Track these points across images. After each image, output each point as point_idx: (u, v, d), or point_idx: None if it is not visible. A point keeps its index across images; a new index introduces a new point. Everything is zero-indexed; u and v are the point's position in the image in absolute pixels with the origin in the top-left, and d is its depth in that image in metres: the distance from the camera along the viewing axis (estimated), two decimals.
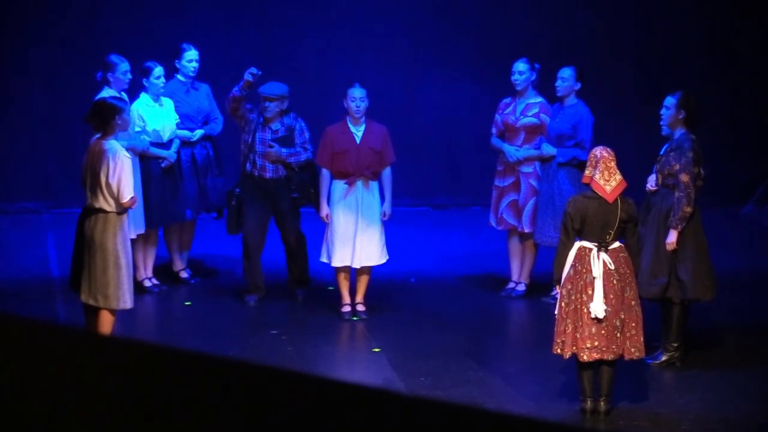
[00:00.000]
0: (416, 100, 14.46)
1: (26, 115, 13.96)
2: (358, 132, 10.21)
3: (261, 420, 2.39)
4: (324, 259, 10.31)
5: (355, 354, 9.85)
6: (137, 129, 10.63)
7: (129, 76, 10.52)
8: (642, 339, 8.10)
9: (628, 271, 8.08)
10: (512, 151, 10.76)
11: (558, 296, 8.18)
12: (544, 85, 10.86)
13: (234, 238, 10.77)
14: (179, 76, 11.12)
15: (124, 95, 10.38)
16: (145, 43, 13.10)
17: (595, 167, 8.17)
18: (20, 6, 13.89)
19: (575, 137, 10.50)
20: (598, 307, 7.93)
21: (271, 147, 10.41)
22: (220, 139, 11.45)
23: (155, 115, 10.77)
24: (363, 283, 10.31)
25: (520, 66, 10.81)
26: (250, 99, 10.56)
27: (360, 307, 10.30)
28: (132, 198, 8.61)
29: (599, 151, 8.23)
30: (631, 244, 8.16)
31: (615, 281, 7.99)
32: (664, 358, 9.12)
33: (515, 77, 10.80)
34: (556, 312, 8.15)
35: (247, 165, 10.50)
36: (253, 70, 10.38)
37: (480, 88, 14.06)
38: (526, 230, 10.76)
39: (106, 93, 10.14)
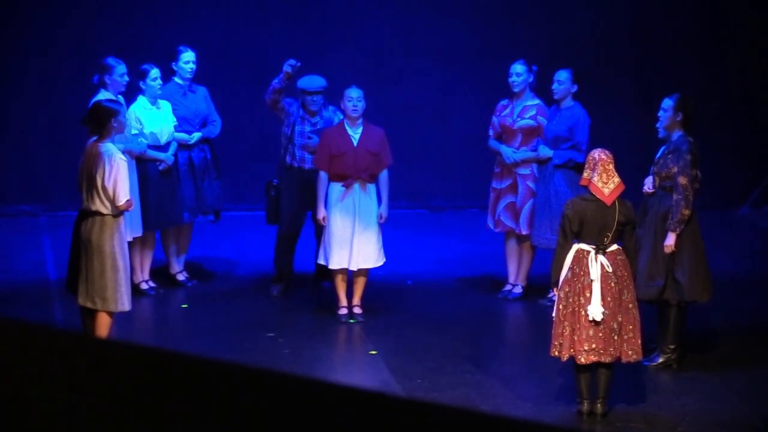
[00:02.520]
0: (413, 103, 14.45)
1: (22, 117, 13.94)
2: (355, 134, 10.21)
3: (258, 423, 2.39)
4: (321, 261, 10.31)
5: (352, 356, 9.85)
6: (134, 132, 10.62)
7: (126, 78, 10.51)
8: (639, 342, 8.10)
9: (626, 274, 8.08)
10: (509, 152, 10.76)
11: (555, 298, 8.18)
12: (542, 87, 10.86)
13: (231, 238, 10.77)
14: (176, 79, 11.10)
15: (121, 98, 10.37)
16: (142, 45, 13.10)
17: (593, 169, 8.17)
18: (16, 9, 13.88)
19: (572, 139, 10.50)
20: (595, 310, 7.93)
21: (310, 138, 10.60)
22: (219, 141, 11.45)
23: (152, 118, 10.77)
24: (360, 285, 10.30)
25: (518, 68, 10.81)
26: (288, 92, 10.81)
27: (357, 310, 10.29)
28: (128, 201, 8.60)
29: (597, 154, 8.23)
30: (629, 246, 8.16)
31: (613, 284, 7.99)
32: (661, 360, 9.12)
33: (513, 79, 10.80)
34: (553, 314, 8.15)
35: (287, 157, 10.77)
36: (292, 61, 10.65)
37: (477, 90, 14.06)
38: (524, 232, 10.76)
39: (103, 96, 10.12)
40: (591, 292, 7.96)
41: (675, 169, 9.01)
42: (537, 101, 10.81)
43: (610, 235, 8.06)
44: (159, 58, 11.17)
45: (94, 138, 8.71)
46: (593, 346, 7.96)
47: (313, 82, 10.70)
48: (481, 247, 12.40)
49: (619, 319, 8.00)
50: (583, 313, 7.96)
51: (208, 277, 11.56)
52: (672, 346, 9.12)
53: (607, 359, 8.00)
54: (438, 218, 14.32)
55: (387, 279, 11.24)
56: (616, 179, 8.15)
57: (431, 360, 9.27)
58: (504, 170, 10.84)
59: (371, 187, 10.24)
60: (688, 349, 9.27)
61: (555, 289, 8.15)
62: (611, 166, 8.17)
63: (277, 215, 10.87)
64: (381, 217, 10.21)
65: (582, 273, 8.00)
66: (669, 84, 12.25)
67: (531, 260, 10.92)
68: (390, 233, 11.02)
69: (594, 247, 8.05)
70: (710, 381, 8.88)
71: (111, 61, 10.52)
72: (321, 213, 10.20)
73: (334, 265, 10.18)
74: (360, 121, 10.23)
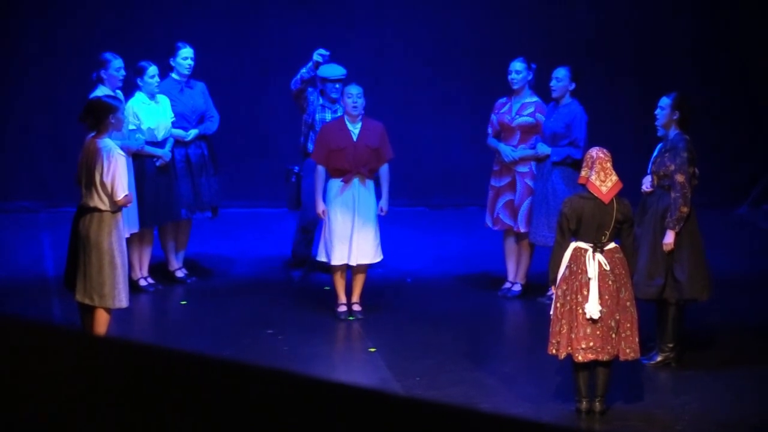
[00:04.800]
0: (412, 100, 14.45)
1: (23, 114, 13.95)
2: (354, 129, 10.21)
3: (256, 421, 2.39)
4: (322, 258, 10.30)
5: (351, 354, 9.85)
6: (132, 127, 10.61)
7: (123, 72, 10.49)
8: (637, 340, 8.10)
9: (624, 272, 8.08)
10: (508, 151, 10.76)
11: (553, 297, 8.19)
12: (540, 85, 10.86)
13: (230, 235, 10.75)
14: (174, 75, 11.10)
15: (120, 93, 10.36)
16: (141, 42, 13.09)
17: (591, 168, 8.17)
18: (16, 7, 13.88)
19: (569, 136, 10.50)
20: (593, 308, 7.93)
21: None
22: (217, 138, 11.44)
23: (150, 113, 10.76)
24: (359, 282, 10.30)
25: (517, 65, 10.81)
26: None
27: (356, 307, 10.29)
28: (126, 196, 8.60)
29: (595, 152, 8.23)
30: (626, 244, 8.16)
31: (610, 282, 7.99)
32: (659, 358, 9.12)
33: (512, 76, 10.80)
34: (551, 312, 8.15)
35: (309, 144, 10.99)
36: (322, 50, 10.94)
37: (476, 87, 14.06)
38: (522, 230, 10.76)
39: (101, 91, 10.12)
40: (588, 291, 7.96)
41: (672, 167, 9.02)
42: (535, 99, 10.82)
43: (608, 233, 8.07)
44: (157, 54, 11.16)
45: (92, 134, 8.71)
46: (591, 344, 7.96)
47: (334, 70, 10.97)
48: (481, 244, 12.40)
49: (617, 317, 8.00)
50: (580, 311, 7.96)
51: (207, 273, 11.56)
52: (671, 345, 9.12)
53: (605, 357, 8.00)
54: (437, 216, 14.32)
55: (386, 276, 11.25)
56: (614, 177, 8.15)
57: (430, 357, 9.27)
58: (503, 168, 10.84)
59: (370, 183, 10.24)
60: (686, 347, 9.28)
61: (553, 288, 8.15)
62: (609, 165, 8.17)
63: (298, 201, 11.15)
64: (382, 211, 10.21)
65: (579, 271, 8.00)
66: (668, 82, 12.26)
67: (530, 258, 10.92)
68: (389, 230, 11.02)
69: (591, 245, 8.05)
70: (709, 380, 8.88)
71: (107, 55, 10.51)
72: (320, 207, 10.20)
73: (335, 261, 10.17)
74: (360, 116, 10.23)
